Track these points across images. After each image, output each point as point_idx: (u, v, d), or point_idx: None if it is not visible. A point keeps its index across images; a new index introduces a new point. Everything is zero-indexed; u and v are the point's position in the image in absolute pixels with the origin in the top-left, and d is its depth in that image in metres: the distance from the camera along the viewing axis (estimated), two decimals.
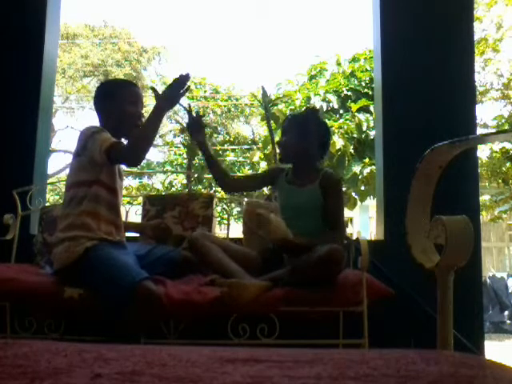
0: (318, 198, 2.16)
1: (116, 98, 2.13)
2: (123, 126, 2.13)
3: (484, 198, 9.97)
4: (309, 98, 9.90)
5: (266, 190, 9.86)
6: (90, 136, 1.97)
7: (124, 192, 2.44)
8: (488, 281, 6.80)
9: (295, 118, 2.36)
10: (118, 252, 1.95)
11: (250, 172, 13.05)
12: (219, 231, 10.11)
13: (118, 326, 1.78)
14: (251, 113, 15.72)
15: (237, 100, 15.88)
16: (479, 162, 8.68)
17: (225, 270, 2.00)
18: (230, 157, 15.01)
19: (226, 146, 15.36)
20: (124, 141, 2.12)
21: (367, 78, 9.86)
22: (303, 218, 2.18)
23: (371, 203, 10.52)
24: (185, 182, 13.17)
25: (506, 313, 6.44)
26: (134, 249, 2.15)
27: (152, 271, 1.90)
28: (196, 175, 13.95)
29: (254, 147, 13.85)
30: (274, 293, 1.90)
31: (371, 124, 8.70)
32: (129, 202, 9.08)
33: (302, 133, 2.22)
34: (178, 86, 2.01)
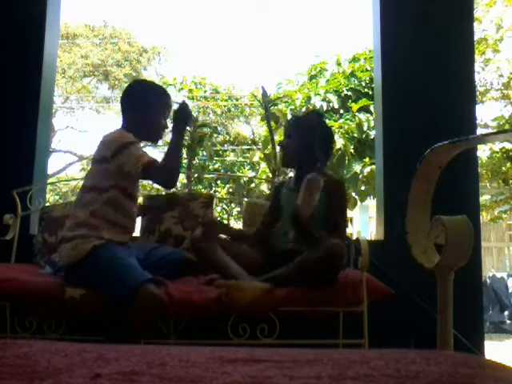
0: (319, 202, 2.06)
1: (152, 106, 2.13)
2: (150, 133, 2.18)
3: (484, 198, 9.95)
4: (309, 98, 9.90)
5: (266, 190, 9.85)
6: (125, 146, 1.98)
7: None
8: (488, 281, 6.79)
9: (300, 120, 2.25)
10: (123, 253, 1.97)
11: (250, 172, 13.06)
12: None
13: (119, 326, 1.78)
14: (251, 113, 15.72)
15: (237, 100, 15.88)
16: (479, 161, 8.67)
17: (226, 270, 1.99)
18: (230, 157, 14.98)
19: (225, 146, 15.34)
20: (142, 144, 2.14)
21: (367, 78, 9.86)
22: None
23: (371, 203, 10.51)
24: (185, 181, 13.16)
25: (506, 313, 6.43)
26: (135, 250, 2.14)
27: (153, 273, 1.90)
28: (196, 175, 13.92)
29: (254, 147, 13.83)
30: (274, 293, 1.89)
31: (372, 124, 8.69)
32: None
33: (308, 137, 2.13)
34: (183, 118, 2.04)
